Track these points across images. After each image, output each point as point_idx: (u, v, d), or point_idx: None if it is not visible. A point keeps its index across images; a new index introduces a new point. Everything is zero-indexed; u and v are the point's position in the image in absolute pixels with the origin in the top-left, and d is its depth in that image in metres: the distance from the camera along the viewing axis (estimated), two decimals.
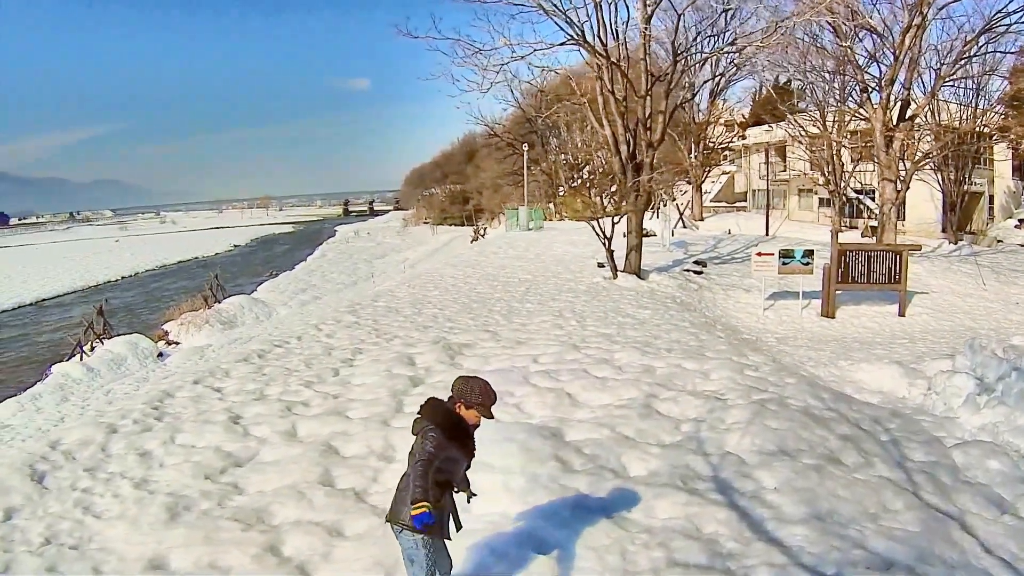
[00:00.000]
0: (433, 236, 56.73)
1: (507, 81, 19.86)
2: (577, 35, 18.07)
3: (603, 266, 20.36)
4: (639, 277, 19.75)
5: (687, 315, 15.04)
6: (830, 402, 8.77)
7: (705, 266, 21.55)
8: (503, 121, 50.11)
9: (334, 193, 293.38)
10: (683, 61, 19.57)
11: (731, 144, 47.26)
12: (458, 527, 4.41)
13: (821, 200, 38.41)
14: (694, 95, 38.99)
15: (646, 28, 18.29)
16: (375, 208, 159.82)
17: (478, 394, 4.22)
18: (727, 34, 19.87)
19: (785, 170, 41.05)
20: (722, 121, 45.46)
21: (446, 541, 4.33)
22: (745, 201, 47.68)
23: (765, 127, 42.12)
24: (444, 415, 4.19)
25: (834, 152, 33.48)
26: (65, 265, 60.77)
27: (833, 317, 15.51)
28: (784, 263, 16.15)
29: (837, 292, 15.71)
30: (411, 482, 3.96)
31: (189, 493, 6.81)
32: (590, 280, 20.03)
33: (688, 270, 20.78)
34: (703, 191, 45.93)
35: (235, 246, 77.89)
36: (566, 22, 17.87)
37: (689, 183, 43.97)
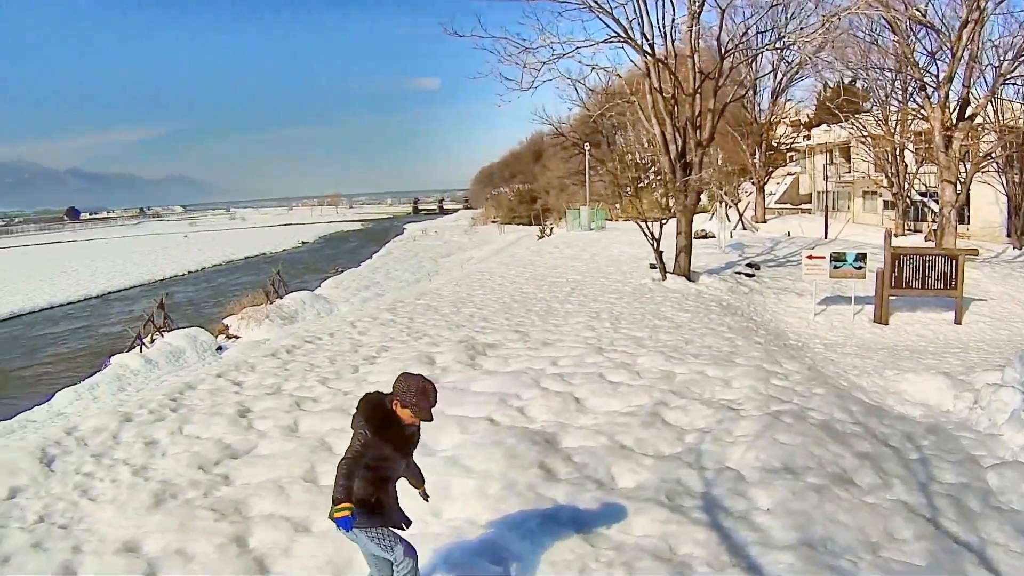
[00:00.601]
0: (500, 235, 55.92)
1: (555, 78, 19.36)
2: (621, 33, 17.52)
3: (655, 268, 19.76)
4: (688, 279, 19.13)
5: (729, 319, 14.36)
6: (859, 415, 8.09)
7: (758, 269, 20.70)
8: (569, 121, 49.73)
9: (404, 191, 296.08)
10: (731, 58, 18.72)
11: (795, 145, 45.58)
12: (406, 524, 4.30)
13: (885, 203, 36.56)
14: (755, 93, 37.76)
15: (693, 26, 17.62)
16: (444, 207, 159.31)
17: (414, 394, 4.06)
18: (774, 31, 18.89)
19: (850, 171, 39.30)
20: (787, 121, 43.94)
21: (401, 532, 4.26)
22: (810, 203, 45.92)
23: (824, 127, 40.51)
24: (375, 412, 4.06)
25: (897, 153, 31.93)
26: (132, 259, 61.47)
27: (886, 324, 14.56)
28: (836, 267, 15.27)
29: (891, 298, 14.74)
30: (335, 481, 3.87)
31: (179, 482, 6.95)
32: (638, 282, 19.50)
33: (739, 273, 19.98)
34: (768, 192, 44.51)
35: (303, 243, 77.47)
36: (611, 19, 17.38)
37: (753, 184, 42.63)
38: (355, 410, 4.09)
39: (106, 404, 12.15)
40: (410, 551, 4.18)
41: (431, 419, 4.13)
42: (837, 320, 15.08)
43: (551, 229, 46.91)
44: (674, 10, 17.97)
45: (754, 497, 5.90)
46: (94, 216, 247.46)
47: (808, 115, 44.59)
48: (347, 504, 3.76)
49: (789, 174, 48.76)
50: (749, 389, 8.97)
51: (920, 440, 7.55)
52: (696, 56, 18.31)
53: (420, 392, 4.08)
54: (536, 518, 5.69)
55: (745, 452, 6.75)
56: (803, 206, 46.10)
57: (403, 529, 4.26)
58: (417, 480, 4.56)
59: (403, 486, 4.40)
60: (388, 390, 4.10)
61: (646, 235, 19.96)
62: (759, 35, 18.56)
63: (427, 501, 4.70)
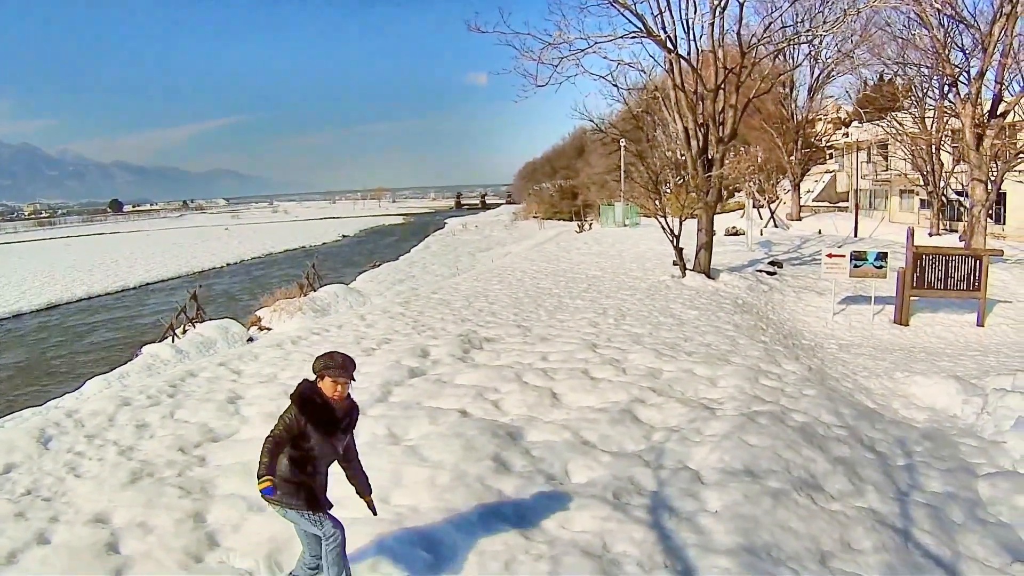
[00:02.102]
0: (540, 231, 55.35)
1: (578, 74, 18.97)
2: (642, 27, 17.13)
3: (677, 264, 19.36)
4: (708, 276, 18.70)
5: (738, 317, 13.93)
6: (849, 419, 7.72)
7: (780, 267, 20.12)
8: (610, 116, 49.23)
9: (448, 186, 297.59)
10: (754, 54, 18.19)
11: (832, 142, 44.38)
12: (328, 507, 4.38)
13: (922, 201, 35.33)
14: (791, 90, 36.90)
15: (715, 21, 17.16)
16: (487, 202, 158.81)
17: (323, 362, 4.26)
18: (795, 26, 18.29)
19: (887, 169, 38.09)
20: (827, 118, 42.88)
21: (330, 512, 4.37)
22: (847, 201, 44.67)
23: (856, 124, 39.36)
24: (297, 394, 4.23)
25: (933, 151, 30.84)
26: (172, 251, 62.14)
27: (906, 325, 13.93)
28: (856, 265, 14.68)
29: (912, 298, 14.09)
30: (259, 459, 4.13)
31: (158, 462, 7.16)
32: (656, 279, 19.14)
33: (761, 271, 19.42)
34: (805, 190, 43.48)
35: (343, 236, 77.58)
36: (634, 14, 16.99)
37: (790, 182, 41.68)
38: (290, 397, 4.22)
39: (113, 390, 12.34)
40: (338, 526, 4.27)
41: (350, 376, 4.23)
42: (856, 320, 14.50)
43: (590, 225, 46.52)
44: (696, 6, 17.58)
45: (706, 499, 5.62)
46: (137, 208, 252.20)
47: (847, 112, 43.47)
48: (267, 477, 4.01)
49: (827, 172, 47.51)
50: (735, 389, 8.65)
51: (912, 446, 7.20)
52: (719, 52, 17.84)
53: (325, 357, 4.28)
54: (478, 510, 5.57)
55: (709, 453, 6.46)
56: (840, 204, 44.88)
57: (331, 507, 4.36)
58: (363, 488, 4.60)
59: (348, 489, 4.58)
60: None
61: (666, 232, 19.58)
62: (783, 30, 17.98)
63: (375, 515, 4.75)
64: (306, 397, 4.17)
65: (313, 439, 4.17)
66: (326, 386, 4.19)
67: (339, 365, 4.19)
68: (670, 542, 4.97)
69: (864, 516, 5.41)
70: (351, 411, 4.37)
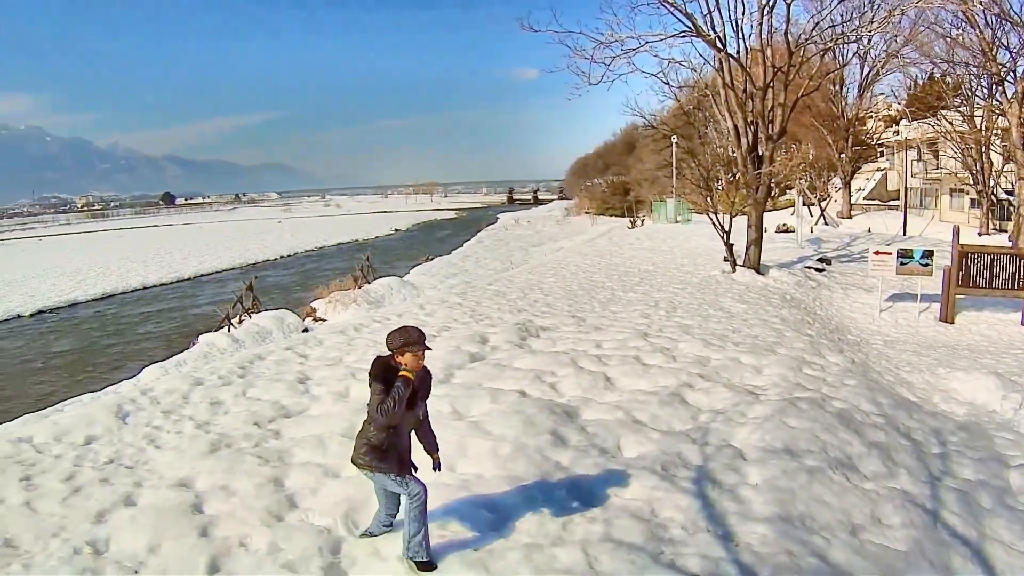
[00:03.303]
0: (592, 226, 54.41)
1: (630, 72, 19.15)
2: (692, 27, 17.23)
3: (728, 260, 19.47)
4: (757, 272, 18.77)
5: (785, 311, 14.07)
6: (887, 408, 7.93)
7: (829, 264, 20.05)
8: (662, 113, 48.88)
9: (500, 181, 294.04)
10: (801, 52, 18.11)
11: (883, 140, 43.28)
12: (414, 468, 4.77)
13: (972, 200, 34.34)
14: (841, 88, 36.24)
15: (763, 20, 17.18)
16: (539, 197, 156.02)
17: (401, 338, 4.51)
18: (843, 24, 18.13)
19: (937, 168, 37.16)
20: (879, 116, 41.91)
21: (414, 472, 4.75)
22: (898, 199, 43.57)
23: (904, 122, 38.38)
24: (378, 368, 4.51)
25: (981, 150, 30.05)
26: (225, 244, 61.55)
27: (951, 322, 13.86)
28: (902, 263, 14.65)
29: (958, 296, 14.01)
30: (375, 426, 4.52)
31: (235, 434, 7.64)
32: (707, 274, 19.28)
33: (809, 267, 19.41)
34: (856, 188, 42.63)
35: (396, 230, 76.50)
36: (683, 14, 17.11)
37: (841, 180, 40.93)
38: (368, 374, 4.54)
39: (185, 371, 12.89)
40: (421, 486, 4.62)
41: (424, 346, 4.53)
42: (902, 317, 14.49)
43: (642, 221, 46.30)
44: (744, 5, 17.61)
45: (746, 473, 5.97)
46: (189, 201, 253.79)
47: (898, 109, 42.48)
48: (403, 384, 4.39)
49: (879, 170, 46.43)
50: (778, 377, 8.93)
51: (948, 436, 7.37)
52: (768, 50, 17.85)
53: (400, 333, 4.54)
54: (537, 478, 5.98)
55: (751, 433, 6.79)
56: (891, 202, 43.85)
57: (416, 469, 4.76)
58: (431, 447, 4.97)
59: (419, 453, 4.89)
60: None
61: (716, 228, 19.71)
62: (831, 28, 17.85)
63: (437, 471, 5.07)
64: (387, 371, 4.48)
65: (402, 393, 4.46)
66: (407, 359, 4.47)
67: (416, 339, 4.48)
68: (712, 510, 5.34)
69: (895, 495, 5.66)
70: (427, 379, 4.72)
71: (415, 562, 4.67)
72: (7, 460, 7.04)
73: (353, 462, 4.67)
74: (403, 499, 4.70)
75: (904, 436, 7.12)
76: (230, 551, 5.14)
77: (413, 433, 4.83)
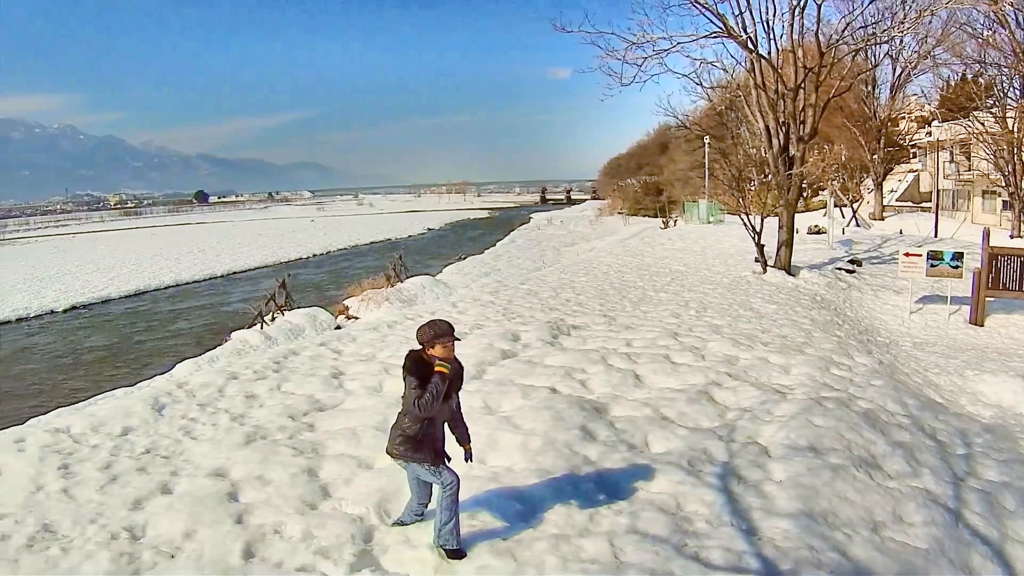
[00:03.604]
0: (624, 227, 54.19)
1: (662, 72, 19.10)
2: (723, 27, 17.13)
3: (759, 261, 19.34)
4: (788, 273, 18.62)
5: (815, 312, 13.98)
6: (913, 409, 7.90)
7: (860, 265, 19.79)
8: (693, 113, 48.45)
9: (533, 180, 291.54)
10: (832, 53, 17.88)
11: (915, 141, 42.35)
12: (447, 458, 4.86)
13: (1004, 203, 33.47)
14: (873, 88, 35.60)
15: (794, 21, 17.02)
16: (572, 197, 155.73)
17: (431, 331, 4.62)
18: (875, 25, 17.82)
19: (969, 170, 36.31)
20: (912, 117, 41.05)
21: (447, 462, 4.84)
22: (930, 201, 42.60)
23: (935, 123, 37.53)
24: (412, 362, 4.60)
25: (1014, 151, 29.34)
26: (259, 242, 61.87)
27: (981, 325, 13.62)
28: (932, 265, 14.43)
29: (988, 299, 13.77)
30: (409, 417, 4.65)
31: (270, 427, 7.83)
32: (738, 274, 19.17)
33: (840, 268, 19.19)
34: (889, 190, 41.84)
35: (428, 229, 76.61)
36: (714, 14, 17.03)
37: (873, 181, 40.20)
38: (402, 368, 4.64)
39: (219, 365, 13.15)
40: (454, 475, 4.73)
41: (454, 337, 4.63)
42: (932, 319, 14.29)
43: (675, 221, 45.99)
44: (775, 6, 17.45)
45: (771, 470, 6.04)
46: (222, 200, 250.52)
47: (930, 110, 41.63)
48: (440, 372, 4.50)
49: (911, 171, 45.50)
50: (805, 376, 8.94)
51: (973, 438, 7.33)
52: (799, 51, 17.67)
53: (430, 327, 4.64)
54: (566, 471, 6.10)
55: (777, 430, 6.85)
56: (923, 204, 42.93)
57: (449, 459, 4.88)
58: (463, 437, 5.11)
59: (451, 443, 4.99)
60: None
61: (747, 229, 19.60)
62: (862, 29, 17.60)
63: (468, 461, 5.19)
64: (421, 365, 4.56)
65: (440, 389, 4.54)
66: (438, 351, 4.57)
67: (445, 331, 4.58)
68: (737, 504, 5.42)
69: (917, 494, 5.68)
70: (459, 371, 4.83)
71: (445, 550, 4.77)
72: (45, 449, 7.21)
73: (388, 452, 4.80)
74: (436, 488, 4.83)
75: (929, 437, 7.11)
76: (264, 537, 5.27)
77: (446, 424, 4.93)
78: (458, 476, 4.77)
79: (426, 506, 5.14)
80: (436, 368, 4.49)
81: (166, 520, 5.55)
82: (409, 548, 4.99)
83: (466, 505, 5.27)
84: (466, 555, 4.80)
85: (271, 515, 5.60)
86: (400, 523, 5.27)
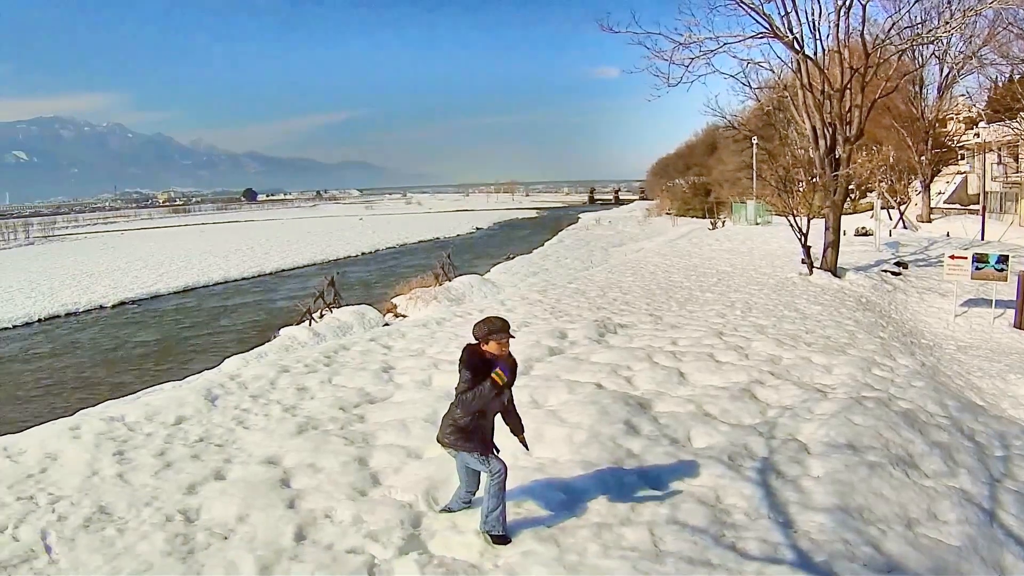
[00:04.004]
0: (672, 227, 52.89)
1: (709, 73, 18.92)
2: (769, 28, 16.96)
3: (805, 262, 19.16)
4: (834, 274, 18.43)
5: (859, 314, 13.83)
6: (953, 410, 7.86)
7: (906, 267, 19.44)
8: (741, 114, 47.72)
9: (581, 180, 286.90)
10: (879, 54, 17.54)
11: (963, 142, 40.88)
12: (496, 450, 4.96)
13: None
14: (920, 89, 34.55)
15: (840, 21, 16.78)
16: (620, 197, 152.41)
17: (486, 328, 4.75)
18: (922, 25, 17.38)
19: (1018, 171, 34.93)
20: (960, 118, 39.69)
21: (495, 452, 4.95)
22: (978, 204, 41.06)
23: (983, 124, 36.17)
24: (468, 355, 4.74)
25: None
26: (307, 239, 60.94)
27: None
28: (978, 268, 14.12)
29: None
30: (461, 408, 4.73)
31: (321, 417, 8.00)
32: (784, 275, 19.03)
33: (886, 271, 18.87)
34: (937, 192, 40.55)
35: (477, 228, 74.99)
36: (760, 15, 16.88)
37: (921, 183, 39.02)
38: (459, 360, 4.80)
39: (270, 359, 13.18)
40: (502, 464, 4.87)
41: (509, 334, 4.75)
42: (977, 323, 14.01)
43: (723, 222, 45.45)
44: (821, 6, 17.27)
45: (809, 466, 6.12)
46: (271, 198, 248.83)
47: (978, 112, 40.19)
48: (496, 378, 4.62)
49: (959, 173, 44.01)
50: (847, 376, 8.94)
51: (1012, 440, 7.26)
52: (845, 51, 17.40)
53: (486, 323, 4.77)
54: (609, 462, 6.26)
55: (817, 428, 6.92)
56: (971, 207, 41.48)
57: (498, 450, 5.02)
58: (518, 428, 5.21)
59: (505, 433, 5.14)
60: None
61: (794, 230, 19.41)
62: (909, 28, 17.23)
63: (527, 450, 5.37)
64: (476, 359, 4.69)
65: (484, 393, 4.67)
66: (491, 347, 4.69)
67: (500, 328, 4.70)
68: (774, 499, 5.53)
69: (952, 493, 5.69)
70: (513, 367, 4.89)
71: (491, 535, 4.90)
72: (100, 436, 7.37)
73: (439, 441, 4.95)
74: (483, 476, 4.95)
75: (967, 438, 7.08)
76: (316, 521, 5.43)
77: (498, 416, 5.05)
78: (506, 465, 4.90)
79: (473, 494, 5.26)
80: (492, 376, 4.61)
81: (220, 504, 5.71)
82: (456, 533, 5.12)
83: (512, 494, 5.38)
84: (511, 541, 4.92)
85: (322, 500, 5.75)
86: (448, 510, 5.40)
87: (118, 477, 6.36)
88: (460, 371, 4.70)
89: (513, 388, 4.97)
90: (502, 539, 4.91)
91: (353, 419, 7.93)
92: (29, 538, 5.27)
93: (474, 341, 4.82)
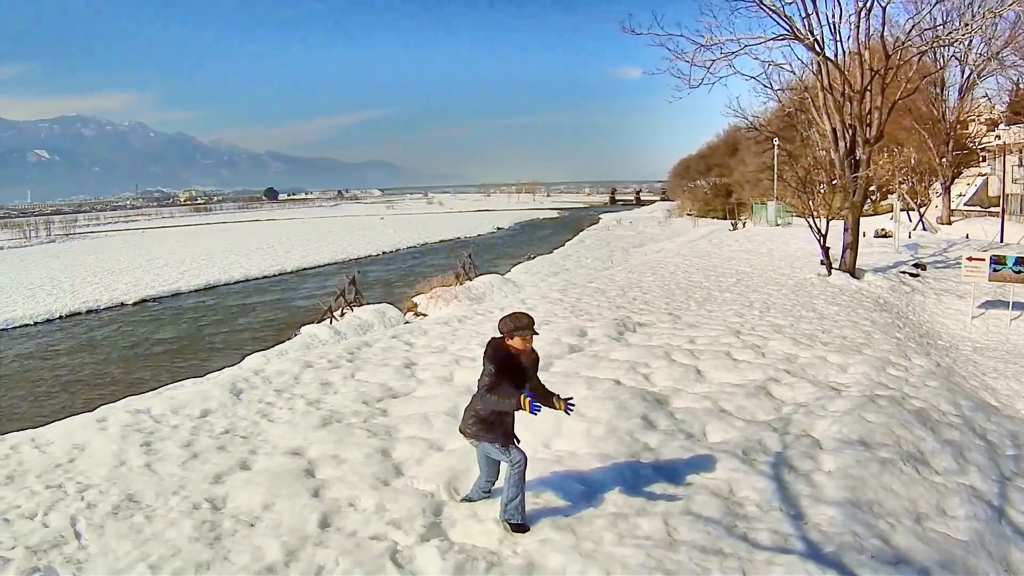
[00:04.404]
0: (693, 228, 52.71)
1: (731, 75, 18.79)
2: (790, 29, 16.83)
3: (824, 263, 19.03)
4: (853, 275, 18.28)
5: (876, 315, 13.74)
6: (966, 410, 7.83)
7: (924, 269, 19.23)
8: (762, 115, 47.20)
9: (602, 181, 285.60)
10: (899, 55, 17.31)
11: (984, 144, 40.07)
12: (517, 440, 5.02)
13: None
14: (941, 90, 33.93)
15: (860, 23, 16.62)
16: (642, 198, 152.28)
17: (512, 323, 4.85)
18: (943, 27, 17.11)
19: None
20: (982, 119, 38.89)
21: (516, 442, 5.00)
22: (999, 206, 40.12)
23: (1003, 126, 35.35)
24: (492, 349, 4.82)
25: None
26: (328, 238, 60.67)
27: None
28: (995, 269, 13.96)
29: None
30: (484, 405, 4.75)
31: (344, 411, 8.10)
32: (803, 276, 18.92)
33: (904, 272, 18.68)
34: (958, 194, 39.74)
35: (498, 228, 75.03)
36: (781, 17, 16.75)
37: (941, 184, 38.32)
38: (484, 353, 4.89)
39: (294, 355, 13.14)
40: (522, 454, 4.92)
41: (533, 330, 4.86)
42: (993, 324, 13.86)
43: (744, 223, 45.09)
44: (842, 8, 17.11)
45: (822, 461, 6.16)
46: (292, 197, 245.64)
47: (1000, 113, 39.33)
48: (523, 399, 4.52)
49: (980, 175, 43.15)
50: (862, 375, 8.94)
51: None
52: (865, 53, 17.22)
53: (511, 318, 4.87)
54: (626, 456, 6.36)
55: (830, 425, 6.95)
56: (992, 209, 40.65)
57: (519, 441, 5.08)
58: (551, 402, 5.04)
59: (524, 424, 5.24)
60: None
61: (813, 231, 19.28)
62: (930, 30, 17.00)
63: (569, 413, 5.10)
64: (499, 352, 4.77)
65: (506, 385, 4.72)
66: (516, 343, 4.79)
67: (526, 324, 4.81)
68: (786, 492, 5.59)
69: (962, 490, 5.71)
70: (536, 360, 5.03)
71: (510, 524, 4.94)
72: (127, 428, 7.46)
73: (461, 431, 5.03)
74: (503, 466, 5.03)
75: (979, 437, 7.07)
76: (340, 510, 5.51)
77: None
78: (526, 456, 4.96)
79: (493, 484, 5.33)
80: (521, 400, 4.54)
81: (245, 493, 5.79)
82: (476, 522, 5.18)
83: (531, 485, 5.44)
84: (529, 529, 4.99)
85: (346, 490, 5.82)
86: (468, 499, 5.46)
87: (145, 467, 6.47)
88: (484, 364, 4.79)
89: None
90: (521, 527, 4.97)
91: (376, 413, 8.03)
92: (59, 524, 5.37)
93: (499, 335, 4.91)
